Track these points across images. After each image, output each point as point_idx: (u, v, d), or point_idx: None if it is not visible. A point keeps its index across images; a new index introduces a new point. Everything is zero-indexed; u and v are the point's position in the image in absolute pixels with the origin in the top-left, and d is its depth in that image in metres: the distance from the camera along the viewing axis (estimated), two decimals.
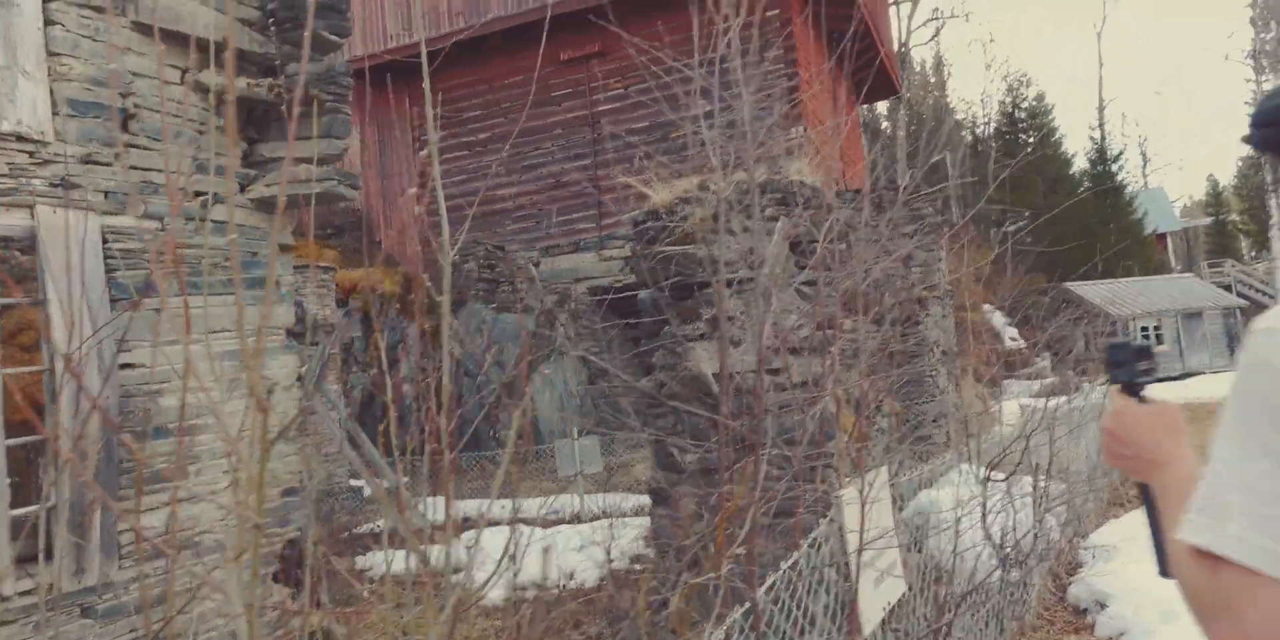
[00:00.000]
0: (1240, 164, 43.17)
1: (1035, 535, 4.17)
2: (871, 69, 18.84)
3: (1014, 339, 25.81)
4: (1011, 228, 32.36)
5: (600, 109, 15.25)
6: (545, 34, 14.69)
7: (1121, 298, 20.20)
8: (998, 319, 26.96)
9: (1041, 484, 4.72)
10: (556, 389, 14.62)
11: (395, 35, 15.56)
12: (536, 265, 15.66)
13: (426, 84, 1.63)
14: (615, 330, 15.86)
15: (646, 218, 4.82)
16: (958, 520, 4.13)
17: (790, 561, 2.25)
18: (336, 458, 10.41)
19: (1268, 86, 43.29)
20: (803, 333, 3.84)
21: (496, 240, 15.41)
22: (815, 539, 2.42)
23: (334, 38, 4.70)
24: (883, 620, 2.82)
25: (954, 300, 12.78)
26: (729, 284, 4.46)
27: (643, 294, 4.64)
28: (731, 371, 3.70)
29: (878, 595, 2.65)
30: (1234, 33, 69.81)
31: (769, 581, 2.04)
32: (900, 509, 4.68)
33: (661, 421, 4.41)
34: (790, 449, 3.39)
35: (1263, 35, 42.90)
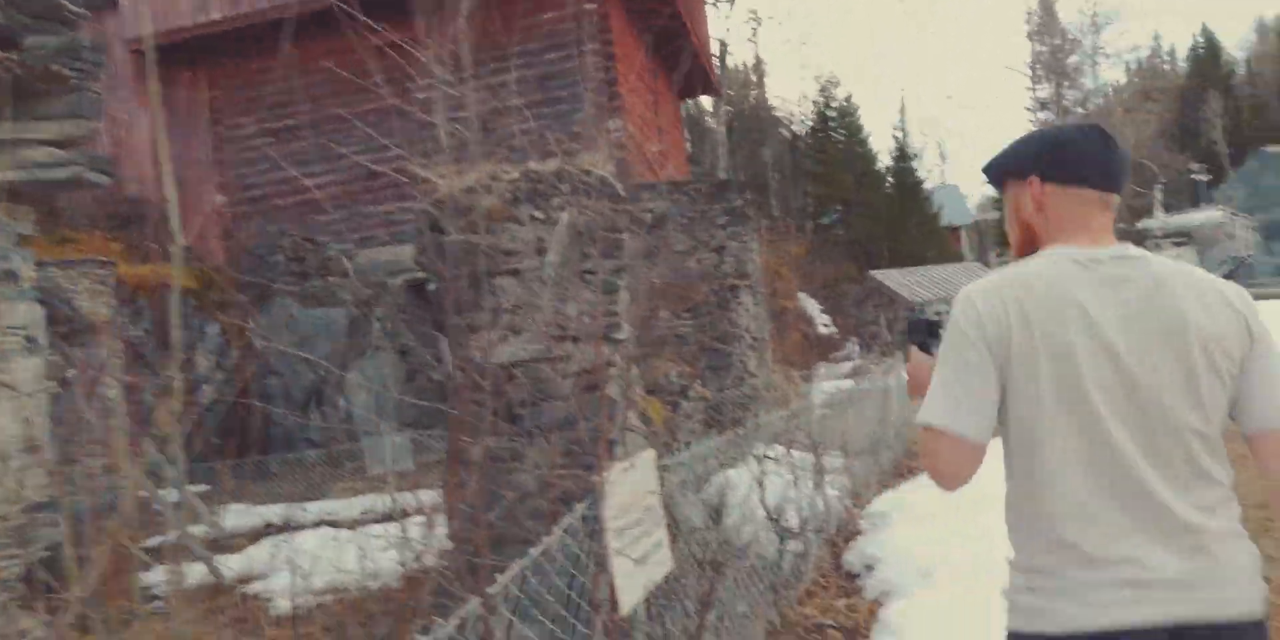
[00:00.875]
0: None
1: (810, 506, 4.44)
2: (687, 66, 19.34)
3: (826, 325, 27.29)
4: (826, 220, 34.22)
5: (417, 98, 14.80)
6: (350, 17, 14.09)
7: (920, 284, 21.82)
8: (811, 306, 28.40)
9: (821, 459, 5.02)
10: (373, 386, 14.14)
11: (187, 13, 14.47)
12: (351, 257, 15.05)
13: None
14: (428, 324, 15.55)
15: (434, 206, 4.73)
16: (745, 498, 4.33)
17: (540, 547, 2.28)
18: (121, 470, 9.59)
19: (1041, 93, 47.63)
20: (586, 321, 3.89)
21: (307, 233, 14.68)
22: (571, 523, 2.46)
23: (79, 9, 4.31)
24: (650, 598, 2.90)
25: (766, 289, 13.35)
26: (514, 273, 4.46)
27: (432, 286, 4.56)
28: (505, 361, 3.70)
29: (641, 573, 2.72)
30: (1014, 45, 76.63)
31: (511, 569, 2.05)
32: (699, 489, 4.86)
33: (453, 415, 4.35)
34: (559, 434, 3.44)
35: (1038, 48, 47.35)
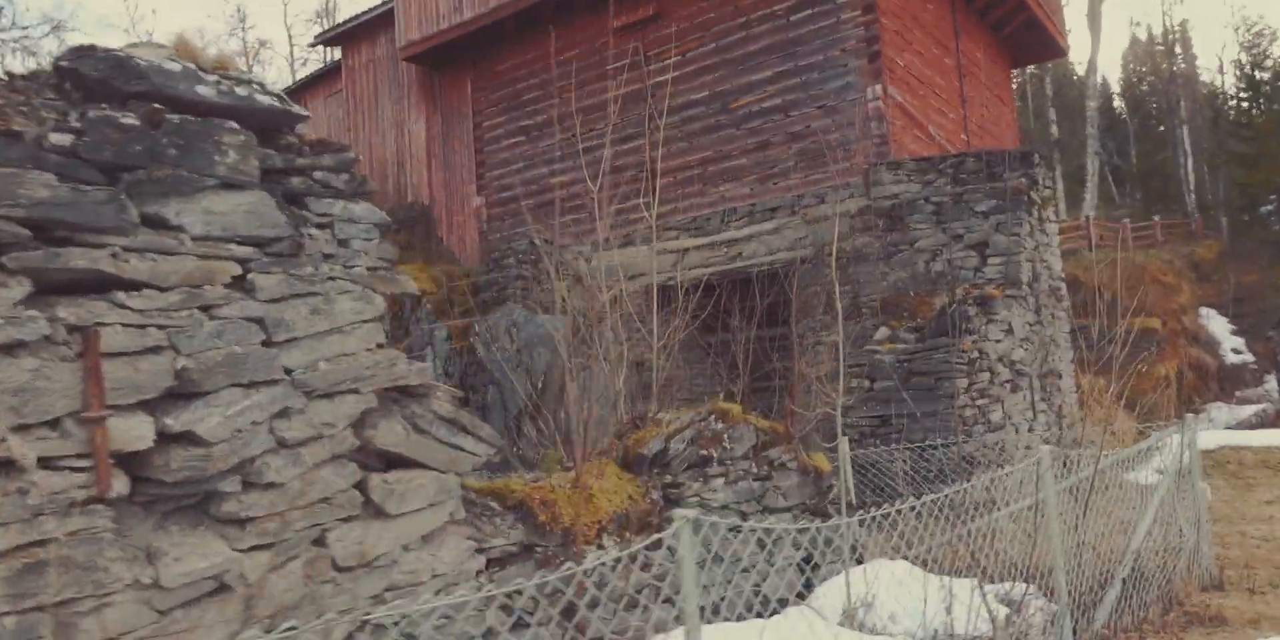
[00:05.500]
0: None
1: None
2: (1015, 23, 15.49)
3: (1237, 351, 20.78)
4: (1256, 214, 26.45)
5: (656, 80, 13.28)
6: None
7: None
8: (1217, 325, 21.91)
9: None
10: (596, 397, 12.83)
11: (445, 15, 14.42)
12: (589, 261, 13.94)
13: None
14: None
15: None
16: None
17: None
18: None
19: None
20: None
21: (547, 234, 13.86)
22: None
23: None
24: None
25: (1065, 298, 9.61)
26: None
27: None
28: None
29: None
30: None
31: None
32: None
33: None
34: None
35: None
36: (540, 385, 12.74)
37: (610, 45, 13.56)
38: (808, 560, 4.49)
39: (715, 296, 9.85)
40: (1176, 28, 34.46)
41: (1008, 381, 7.60)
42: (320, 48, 20.58)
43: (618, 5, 13.27)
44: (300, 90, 20.05)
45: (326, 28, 18.19)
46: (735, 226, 12.24)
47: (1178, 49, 35.46)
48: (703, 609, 3.82)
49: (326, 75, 18.86)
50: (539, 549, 3.29)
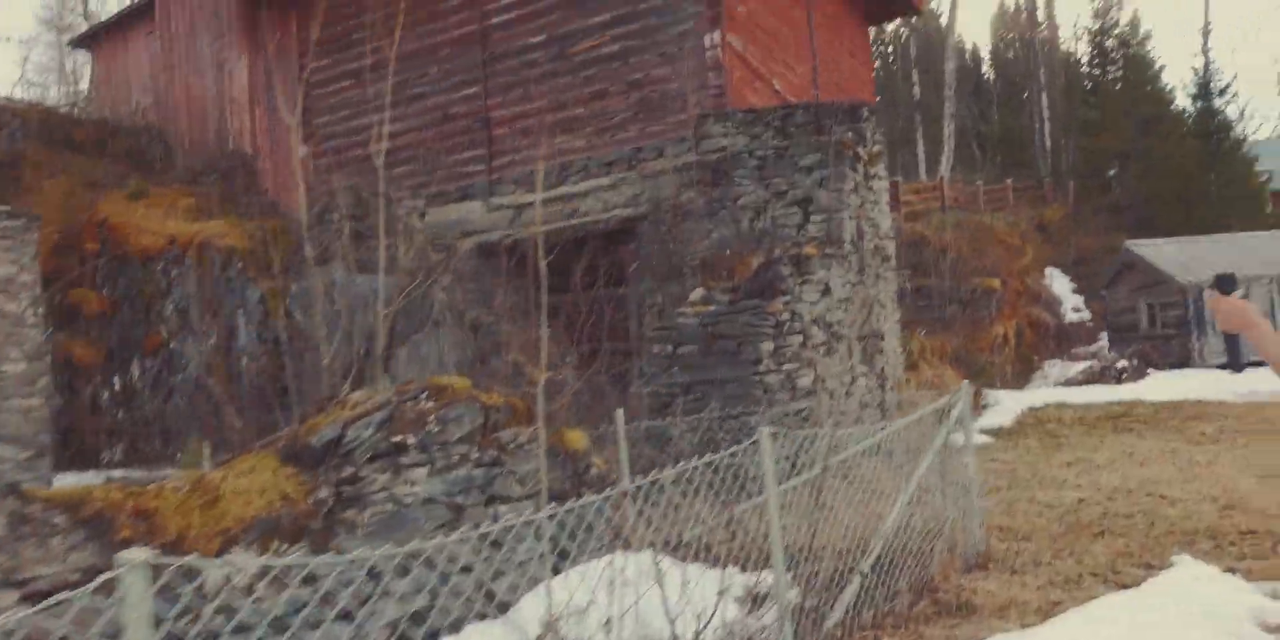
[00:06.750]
0: None
1: None
2: None
3: (1077, 310, 21.64)
4: (1099, 180, 27.56)
5: (492, 22, 12.38)
6: None
7: (1198, 260, 15.94)
8: (1060, 284, 22.76)
9: None
10: (429, 365, 12.10)
11: None
12: (423, 216, 13.08)
13: None
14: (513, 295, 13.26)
15: None
16: None
17: None
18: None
19: None
20: None
21: (373, 187, 12.85)
22: None
23: None
24: None
25: (891, 257, 9.41)
26: None
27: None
28: None
29: None
30: None
31: None
32: None
33: None
34: None
35: None
36: (364, 351, 11.90)
37: None
38: (564, 555, 4.00)
39: (553, 255, 9.16)
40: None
41: (821, 344, 7.30)
42: None
43: None
44: (120, 25, 18.06)
45: None
46: (572, 182, 11.59)
47: (1040, 16, 36.48)
48: (394, 623, 3.24)
49: (148, 8, 16.98)
50: None
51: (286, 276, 12.17)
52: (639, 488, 4.39)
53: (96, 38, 18.40)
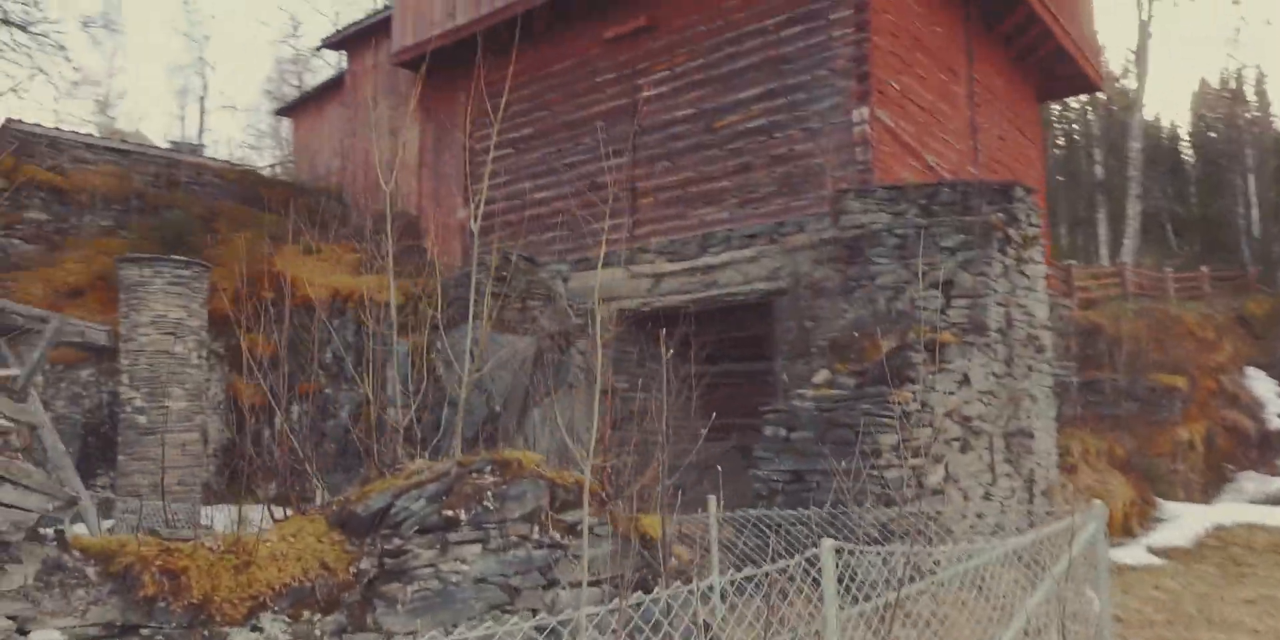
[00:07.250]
0: None
1: None
2: (1041, 52, 14.54)
3: None
4: None
5: (643, 95, 12.65)
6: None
7: None
8: (1264, 386, 20.31)
9: None
10: (559, 427, 12.09)
11: (439, 21, 14.00)
12: (566, 280, 13.30)
13: None
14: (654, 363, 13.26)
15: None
16: None
17: None
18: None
19: None
20: None
21: (525, 251, 13.25)
22: None
23: None
24: None
25: (1046, 349, 8.61)
26: None
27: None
28: None
29: None
30: None
31: None
32: None
33: None
34: None
35: None
36: (499, 409, 12.07)
37: (600, 57, 12.99)
38: None
39: (690, 326, 9.04)
40: (1241, 72, 32.86)
41: (955, 439, 6.66)
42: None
43: (610, 15, 12.72)
44: (317, 96, 19.90)
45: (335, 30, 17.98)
46: (713, 252, 11.47)
47: (1249, 95, 33.80)
48: None
49: (341, 81, 18.65)
50: (145, 630, 2.57)
51: (434, 333, 12.63)
52: (709, 586, 4.03)
53: (297, 107, 20.30)
